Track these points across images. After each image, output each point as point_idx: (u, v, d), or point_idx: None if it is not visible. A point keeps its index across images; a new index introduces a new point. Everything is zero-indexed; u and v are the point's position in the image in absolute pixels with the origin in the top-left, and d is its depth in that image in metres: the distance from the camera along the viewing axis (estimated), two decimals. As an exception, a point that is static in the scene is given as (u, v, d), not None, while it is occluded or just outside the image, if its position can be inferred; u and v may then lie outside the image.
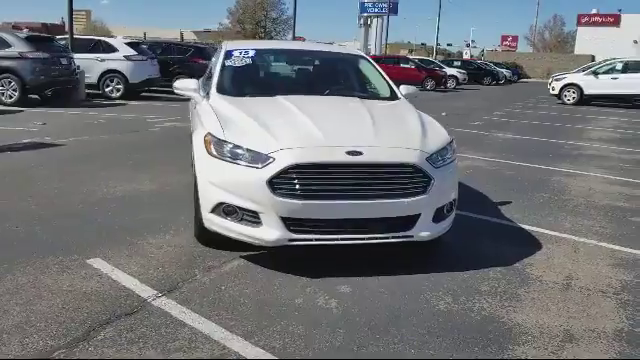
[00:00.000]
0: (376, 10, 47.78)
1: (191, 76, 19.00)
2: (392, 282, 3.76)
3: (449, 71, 32.18)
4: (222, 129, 3.95)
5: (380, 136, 3.97)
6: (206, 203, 3.94)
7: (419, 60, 33.48)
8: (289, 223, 3.67)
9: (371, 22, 55.33)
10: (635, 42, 63.12)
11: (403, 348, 2.94)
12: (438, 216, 3.99)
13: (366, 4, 47.87)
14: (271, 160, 3.65)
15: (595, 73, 21.65)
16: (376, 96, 5.16)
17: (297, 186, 3.63)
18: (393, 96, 5.15)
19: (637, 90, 20.71)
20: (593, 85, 21.24)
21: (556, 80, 22.88)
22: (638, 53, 54.33)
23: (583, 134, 12.89)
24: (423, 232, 3.91)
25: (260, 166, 3.67)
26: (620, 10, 66.91)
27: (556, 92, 22.32)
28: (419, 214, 3.86)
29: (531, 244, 4.66)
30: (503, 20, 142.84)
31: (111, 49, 16.37)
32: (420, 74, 28.28)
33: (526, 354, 2.93)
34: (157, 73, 17.26)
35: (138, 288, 3.53)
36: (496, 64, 44.37)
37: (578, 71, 25.05)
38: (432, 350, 2.94)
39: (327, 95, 4.97)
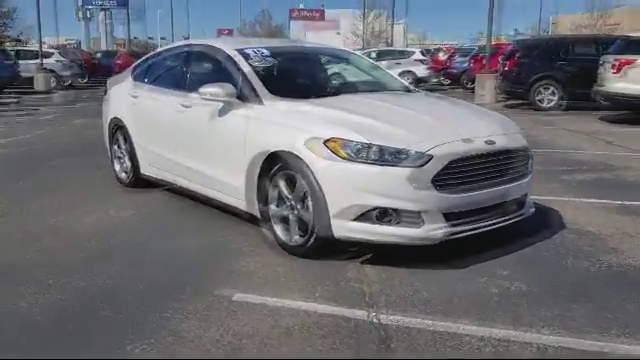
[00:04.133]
0: (102, 3, 44.55)
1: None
2: (520, 258, 4.03)
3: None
4: (353, 131, 3.74)
5: (488, 125, 4.20)
6: (346, 211, 3.69)
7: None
8: (449, 218, 3.71)
9: (92, 15, 51.76)
10: (338, 34, 71.20)
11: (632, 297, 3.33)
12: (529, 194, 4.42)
13: (90, -4, 44.34)
14: (429, 157, 3.62)
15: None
16: (405, 89, 5.28)
17: (456, 180, 3.69)
18: (408, 88, 5.35)
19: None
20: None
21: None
22: (344, 43, 61.76)
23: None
24: (531, 209, 4.31)
25: (419, 164, 3.61)
26: (323, 6, 74.75)
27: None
28: (527, 193, 4.25)
29: (543, 209, 5.33)
30: (218, 15, 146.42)
31: None
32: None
33: None
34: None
35: (342, 312, 3.20)
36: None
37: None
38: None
39: (380, 92, 4.97)
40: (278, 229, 4.18)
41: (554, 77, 14.61)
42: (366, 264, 3.92)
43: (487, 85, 16.75)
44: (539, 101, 14.73)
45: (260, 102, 4.37)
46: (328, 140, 3.75)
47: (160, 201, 5.60)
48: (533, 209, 4.36)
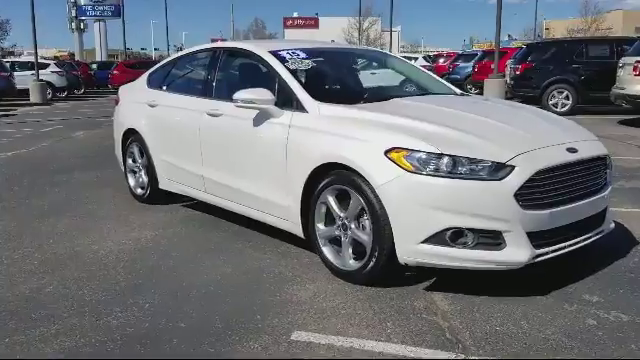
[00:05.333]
0: (96, 13, 44.00)
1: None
2: (604, 280, 3.56)
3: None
4: (419, 140, 3.26)
5: (564, 131, 3.75)
6: (414, 232, 3.20)
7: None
8: (532, 237, 3.22)
9: (85, 27, 51.22)
10: (332, 41, 71.19)
11: None
12: (606, 206, 3.95)
13: (84, 7, 43.75)
14: (510, 169, 3.15)
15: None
16: (455, 93, 4.81)
17: (541, 194, 3.21)
18: (457, 91, 4.88)
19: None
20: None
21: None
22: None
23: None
24: (611, 224, 3.83)
25: (499, 177, 3.13)
26: (317, 14, 74.71)
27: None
28: (607, 206, 3.77)
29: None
30: (210, 24, 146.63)
31: None
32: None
33: None
34: None
35: (425, 354, 2.71)
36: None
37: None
38: None
39: (431, 95, 4.51)
40: (327, 251, 3.70)
41: (568, 80, 14.23)
42: (433, 291, 3.44)
43: (496, 90, 16.35)
44: (553, 105, 14.33)
45: (302, 109, 3.89)
46: (390, 150, 3.27)
47: (182, 218, 5.12)
48: (613, 224, 3.88)
